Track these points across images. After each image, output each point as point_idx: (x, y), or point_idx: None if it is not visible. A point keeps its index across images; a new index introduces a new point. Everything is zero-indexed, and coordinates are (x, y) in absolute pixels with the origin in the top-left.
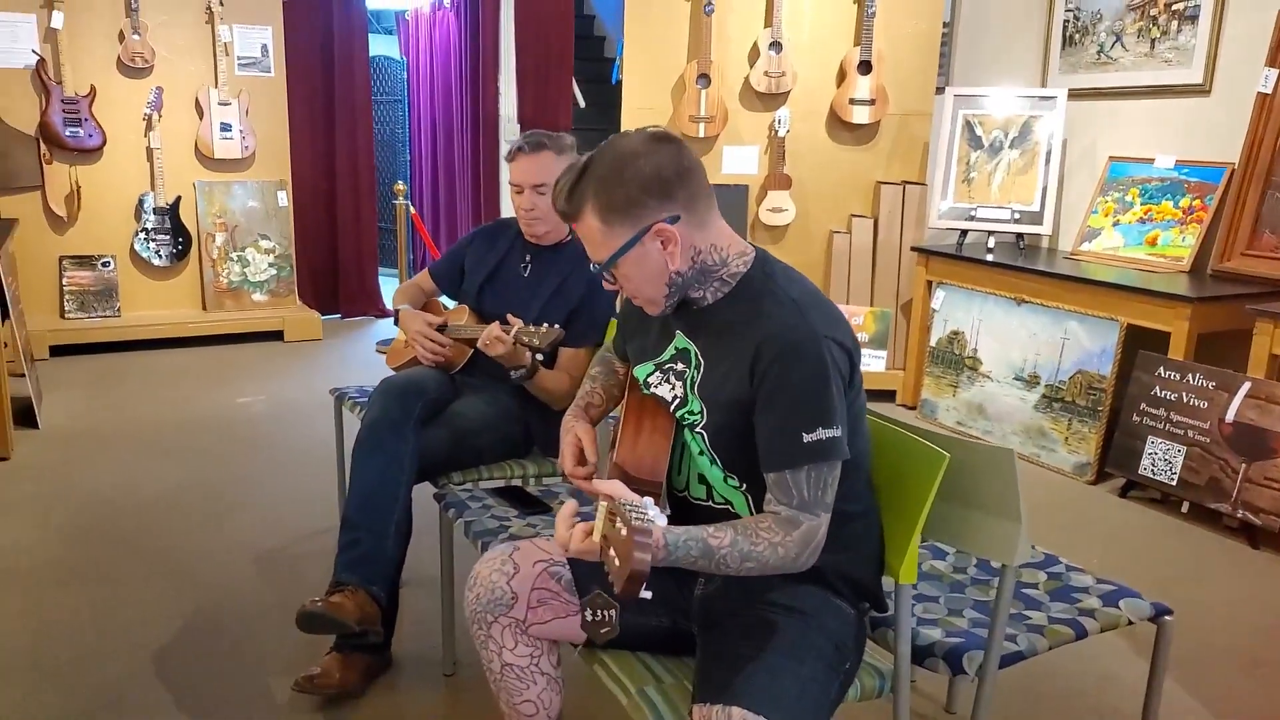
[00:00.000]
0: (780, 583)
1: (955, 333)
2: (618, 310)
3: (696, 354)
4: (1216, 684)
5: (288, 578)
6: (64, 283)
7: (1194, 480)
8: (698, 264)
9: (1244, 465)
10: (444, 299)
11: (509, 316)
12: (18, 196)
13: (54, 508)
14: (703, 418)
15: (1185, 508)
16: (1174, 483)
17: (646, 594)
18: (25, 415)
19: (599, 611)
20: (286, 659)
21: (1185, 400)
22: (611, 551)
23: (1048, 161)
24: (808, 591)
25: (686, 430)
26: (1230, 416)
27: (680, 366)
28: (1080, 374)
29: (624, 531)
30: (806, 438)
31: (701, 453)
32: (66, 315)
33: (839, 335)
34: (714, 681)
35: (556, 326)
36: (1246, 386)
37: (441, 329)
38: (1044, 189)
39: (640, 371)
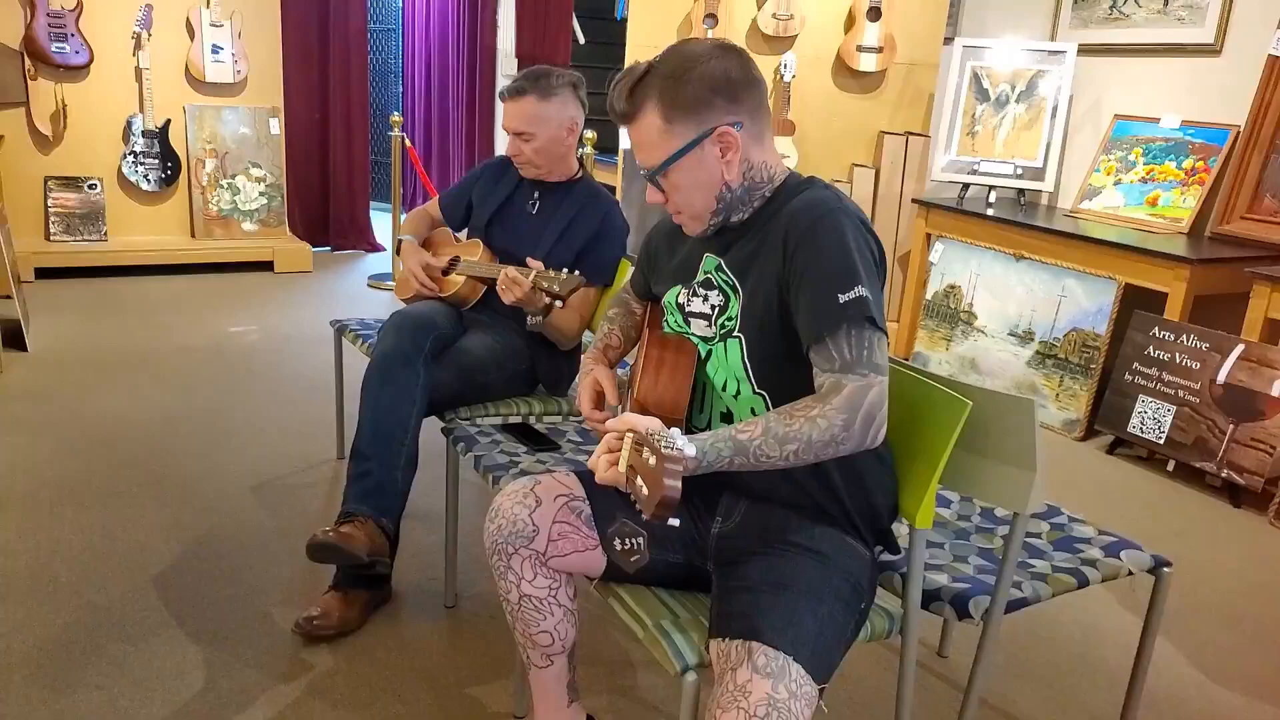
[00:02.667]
0: (797, 522)
1: (952, 286)
2: (633, 247)
3: (725, 266)
4: (1200, 637)
5: (287, 506)
6: (49, 204)
7: (1181, 439)
8: (747, 180)
9: (1232, 426)
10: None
11: (528, 260)
12: (1, 113)
13: (47, 431)
14: (739, 321)
15: (1171, 466)
16: (1162, 441)
17: (675, 521)
18: (14, 338)
19: (627, 540)
20: (286, 587)
21: (1178, 361)
22: (639, 481)
23: (1053, 117)
24: (825, 533)
25: (719, 351)
26: (1221, 378)
27: (712, 280)
28: (1075, 332)
29: (652, 460)
30: (842, 297)
31: (726, 385)
32: (52, 238)
33: (864, 220)
34: (733, 617)
35: (577, 273)
36: (1240, 349)
37: (453, 264)
38: (1047, 145)
39: (671, 296)
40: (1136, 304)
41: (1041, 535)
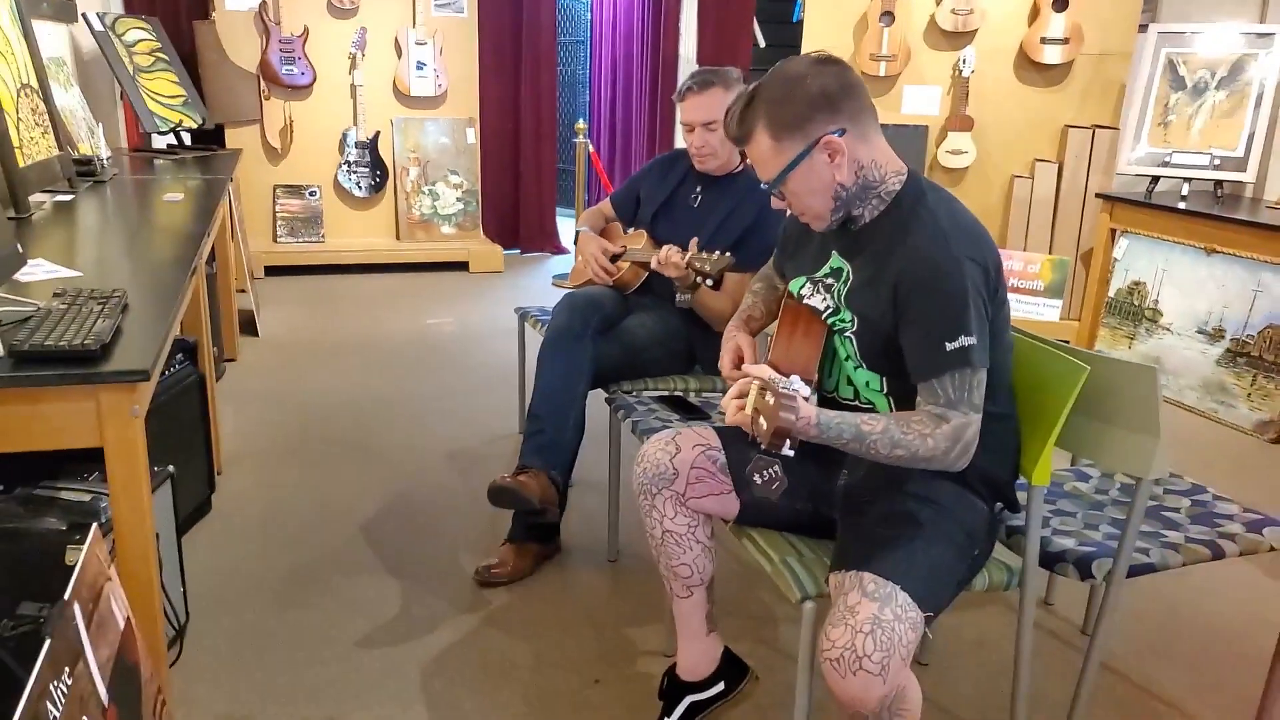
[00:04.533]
0: (919, 475)
1: (1136, 283)
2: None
3: (849, 272)
4: None
5: (474, 472)
6: (276, 209)
7: None
8: (860, 178)
9: None
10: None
11: (692, 242)
12: (240, 129)
13: (275, 403)
14: (852, 325)
15: None
16: None
17: (790, 451)
18: (248, 325)
19: (765, 472)
20: (473, 538)
21: None
22: (761, 419)
23: (1258, 104)
24: (943, 486)
25: (836, 336)
26: None
27: (831, 281)
28: (1271, 328)
29: (771, 400)
30: (949, 346)
31: (848, 358)
32: (278, 239)
33: (978, 254)
34: (850, 553)
35: (728, 254)
36: None
37: (620, 254)
38: (1250, 134)
39: (795, 285)
40: None
41: (1180, 510)
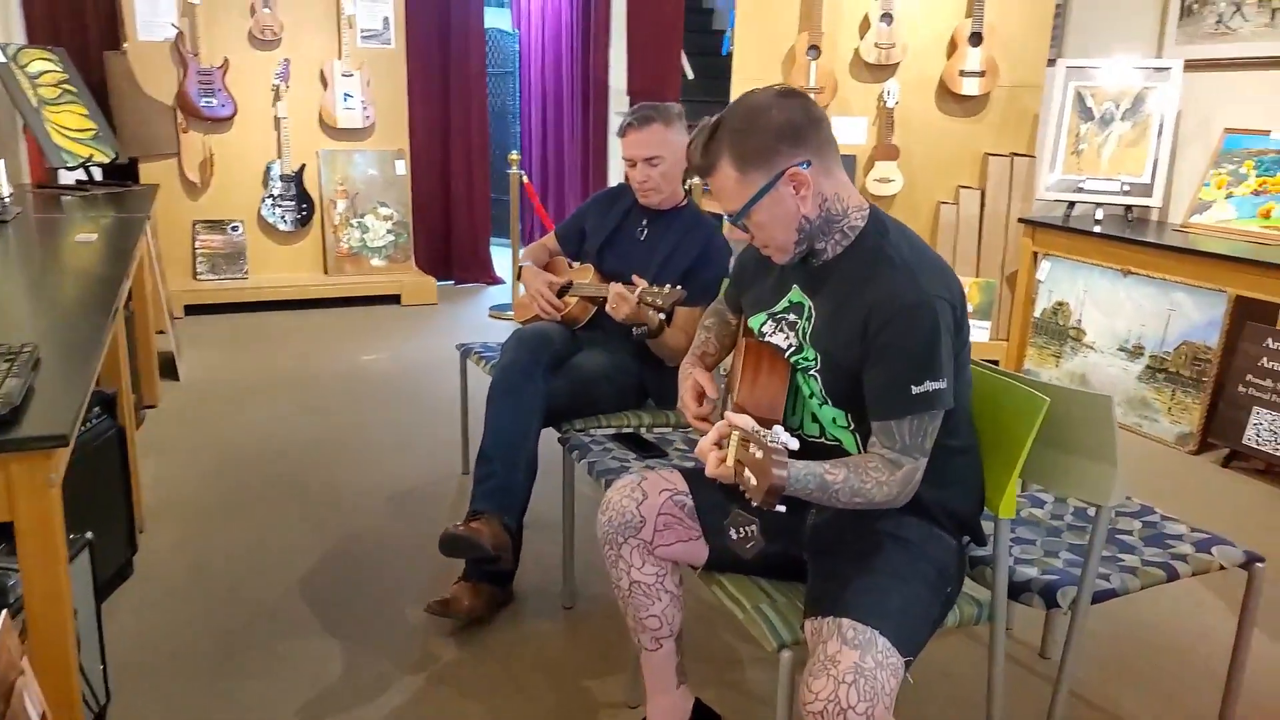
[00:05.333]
0: (887, 513)
1: (1060, 304)
2: (731, 267)
3: (810, 308)
4: None
5: (418, 516)
6: (196, 245)
7: None
8: (824, 211)
9: None
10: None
11: (635, 277)
12: (156, 164)
13: (201, 450)
14: (816, 363)
15: None
16: (1279, 452)
17: (781, 508)
18: (168, 368)
19: (742, 529)
20: (419, 587)
21: None
22: (747, 472)
23: (1160, 133)
24: (912, 522)
25: (800, 374)
26: None
27: (793, 318)
28: (1186, 345)
29: (759, 454)
30: (914, 390)
31: (812, 395)
32: (198, 276)
33: (946, 293)
34: (825, 598)
35: (680, 288)
36: None
37: (566, 288)
38: (1154, 161)
39: (754, 321)
40: (1249, 316)
41: (1133, 532)
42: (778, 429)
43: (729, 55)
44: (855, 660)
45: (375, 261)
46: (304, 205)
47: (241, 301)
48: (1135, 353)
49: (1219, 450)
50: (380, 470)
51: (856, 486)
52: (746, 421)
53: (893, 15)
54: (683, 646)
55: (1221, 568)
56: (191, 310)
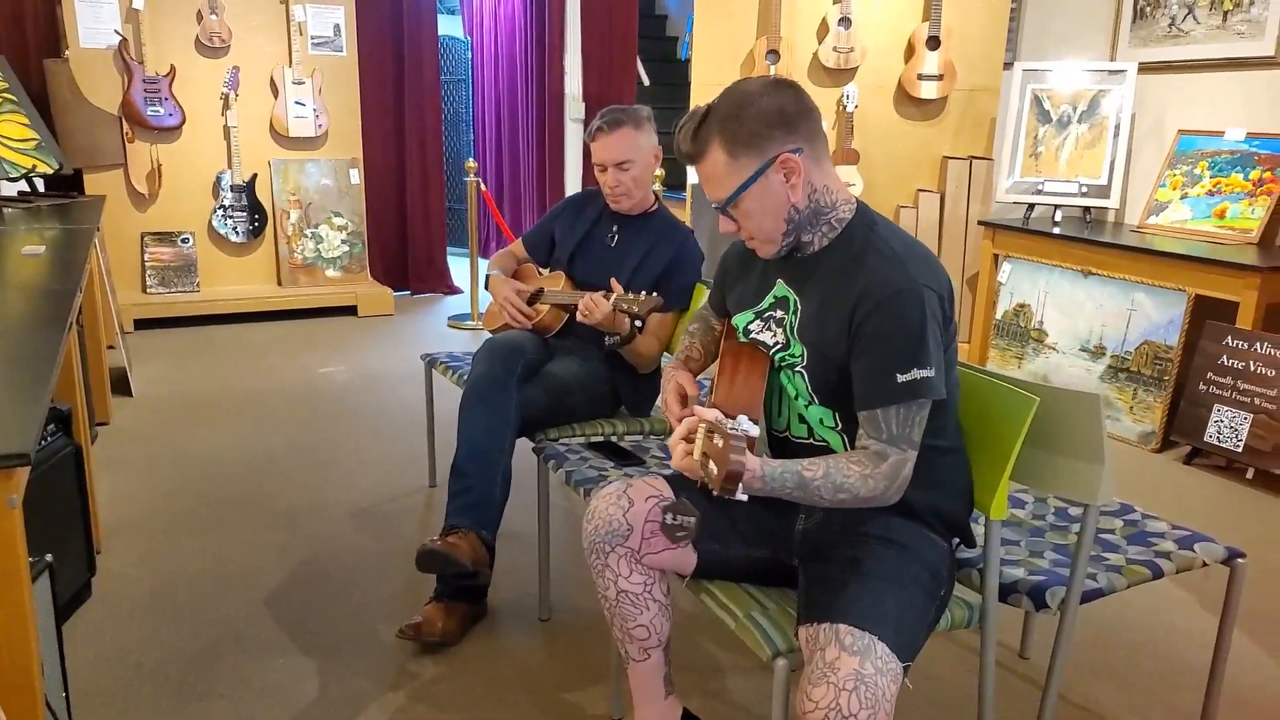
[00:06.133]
0: (877, 516)
1: (1021, 305)
2: (711, 270)
3: (795, 301)
4: None
5: (385, 531)
6: (145, 258)
7: (1260, 446)
8: (813, 202)
9: None
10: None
11: (612, 282)
12: (101, 174)
13: (157, 467)
14: (803, 359)
15: (1250, 473)
16: (1240, 449)
17: (742, 496)
18: (119, 384)
19: (677, 516)
20: (390, 604)
21: (1252, 368)
22: (711, 464)
23: (1116, 135)
24: (903, 525)
25: (786, 371)
26: None
27: (779, 314)
28: (1146, 344)
29: (720, 442)
30: (901, 377)
31: (798, 396)
32: (148, 290)
33: (936, 284)
34: (819, 604)
35: (655, 295)
36: None
37: (537, 295)
38: (1111, 163)
39: (740, 320)
40: (1208, 314)
41: (1115, 531)
42: (741, 418)
43: (686, 61)
44: (855, 667)
45: (330, 272)
46: (256, 216)
47: (193, 315)
48: (1097, 353)
49: (1181, 448)
50: (344, 485)
51: (838, 481)
52: (711, 413)
53: (851, 19)
54: (670, 655)
55: (1205, 564)
56: (141, 324)
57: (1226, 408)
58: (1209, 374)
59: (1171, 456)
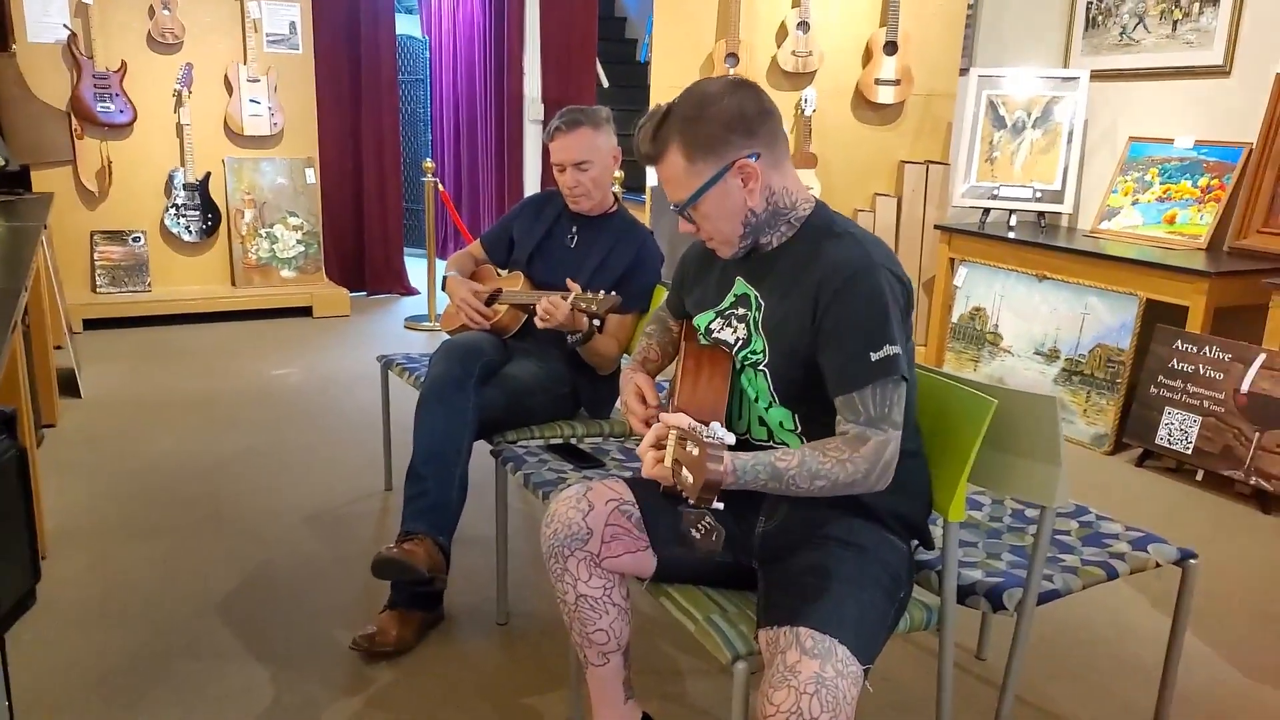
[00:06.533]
0: (837, 518)
1: (977, 309)
2: (669, 272)
3: (756, 297)
4: (1233, 636)
5: (339, 536)
6: (95, 257)
7: (1209, 449)
8: (771, 205)
9: (1257, 434)
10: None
11: (567, 283)
12: (50, 171)
13: (105, 471)
14: (765, 356)
15: (1200, 475)
16: (1189, 451)
17: (719, 504)
18: (67, 385)
19: (699, 525)
20: (344, 609)
21: (1202, 372)
22: (685, 471)
23: (1069, 141)
24: (863, 526)
25: (748, 372)
26: (1245, 387)
27: (741, 311)
28: (1100, 348)
29: (695, 450)
30: (874, 356)
31: (757, 398)
32: (98, 290)
33: (896, 268)
34: (780, 607)
35: (614, 294)
36: (1261, 358)
37: (495, 296)
38: (1065, 168)
39: (701, 320)
40: (1158, 318)
41: (1070, 532)
42: (715, 425)
43: (646, 63)
44: (816, 670)
45: (285, 273)
46: (209, 215)
47: (145, 315)
48: (1051, 356)
49: (1133, 450)
50: (298, 489)
51: (815, 469)
52: (682, 420)
53: (809, 23)
54: (630, 660)
55: (1158, 565)
56: (91, 325)
57: (1177, 410)
58: (1160, 377)
59: (1124, 459)
